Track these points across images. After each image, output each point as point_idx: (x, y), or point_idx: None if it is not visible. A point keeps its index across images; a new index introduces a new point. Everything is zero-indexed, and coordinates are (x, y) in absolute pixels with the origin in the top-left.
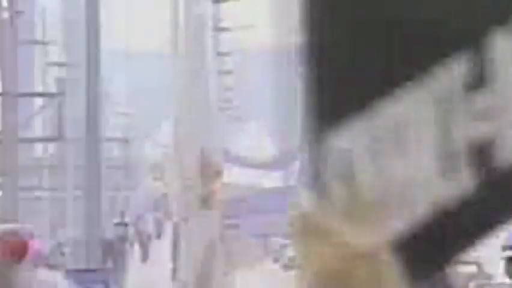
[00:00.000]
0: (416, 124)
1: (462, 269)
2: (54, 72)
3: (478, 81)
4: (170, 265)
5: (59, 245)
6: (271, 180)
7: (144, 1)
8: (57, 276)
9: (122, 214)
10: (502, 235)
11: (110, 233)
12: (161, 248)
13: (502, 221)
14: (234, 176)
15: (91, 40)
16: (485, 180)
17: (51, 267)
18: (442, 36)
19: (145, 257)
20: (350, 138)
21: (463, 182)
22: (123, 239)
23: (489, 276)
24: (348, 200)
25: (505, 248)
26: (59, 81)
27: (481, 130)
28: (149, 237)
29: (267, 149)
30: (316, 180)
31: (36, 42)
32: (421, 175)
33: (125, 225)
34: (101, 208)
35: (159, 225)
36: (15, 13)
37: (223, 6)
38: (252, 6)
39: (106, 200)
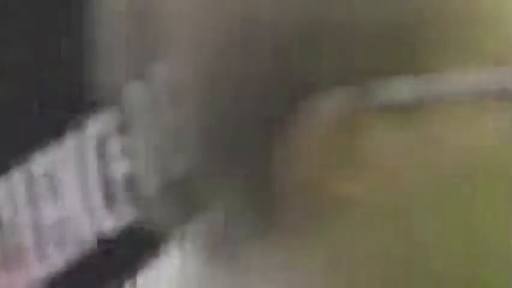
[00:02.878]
0: (69, 170)
1: None
2: None
3: (122, 126)
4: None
5: None
6: None
7: None
8: None
9: None
10: None
11: None
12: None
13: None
14: None
15: None
16: (139, 211)
17: None
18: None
19: None
20: (8, 187)
21: (122, 213)
22: None
23: None
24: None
25: None
26: None
27: (127, 167)
28: None
29: None
30: None
31: None
32: (87, 211)
33: None
34: None
35: None
36: None
37: None
38: None
39: None
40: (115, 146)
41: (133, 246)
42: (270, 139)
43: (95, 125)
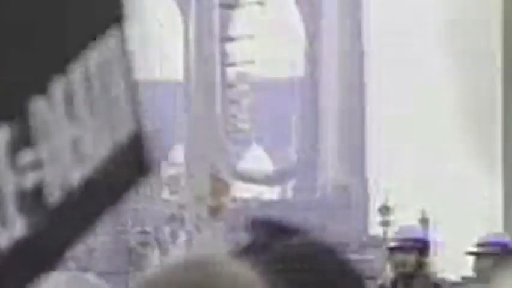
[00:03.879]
0: None
1: None
2: None
3: (24, 141)
4: None
5: (90, 250)
6: (271, 194)
7: (159, 41)
8: (95, 278)
9: (143, 223)
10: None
11: (133, 239)
12: (177, 254)
13: (58, 255)
14: (239, 190)
15: None
16: (36, 223)
17: (84, 269)
18: None
19: (163, 261)
20: None
21: (16, 228)
22: (144, 245)
23: None
24: None
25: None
26: None
27: (28, 181)
28: (167, 244)
29: (267, 167)
30: None
31: None
32: None
33: (147, 233)
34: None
35: (175, 233)
36: None
37: (229, 45)
38: (253, 45)
39: (129, 211)
40: (7, 159)
41: (28, 261)
42: None
43: None
